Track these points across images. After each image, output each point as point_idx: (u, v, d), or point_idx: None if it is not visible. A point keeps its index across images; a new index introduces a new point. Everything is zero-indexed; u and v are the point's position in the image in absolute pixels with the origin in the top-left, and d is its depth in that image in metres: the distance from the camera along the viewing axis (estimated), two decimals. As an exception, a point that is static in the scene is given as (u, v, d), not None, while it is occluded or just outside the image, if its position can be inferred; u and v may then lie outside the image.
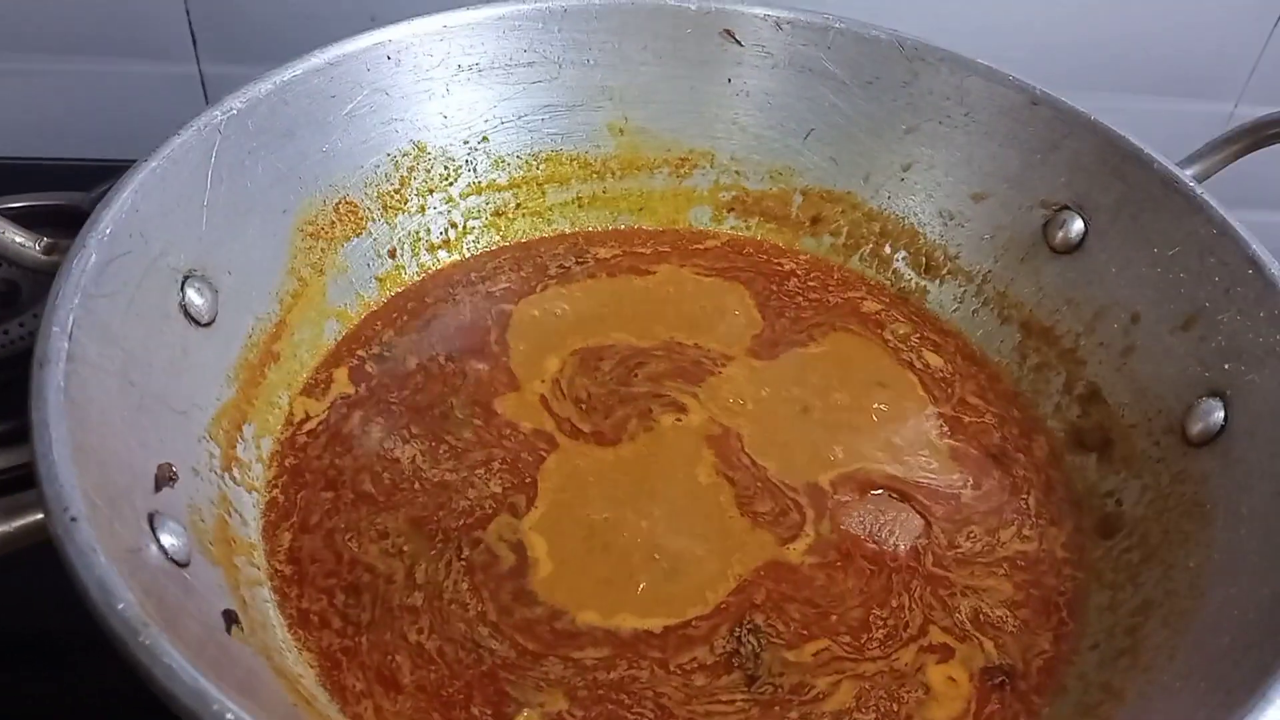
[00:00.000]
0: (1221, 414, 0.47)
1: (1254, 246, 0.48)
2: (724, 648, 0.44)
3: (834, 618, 0.45)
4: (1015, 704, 0.43)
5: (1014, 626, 0.46)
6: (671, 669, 0.43)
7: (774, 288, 0.62)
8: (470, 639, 0.43)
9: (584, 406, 0.53)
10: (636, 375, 0.55)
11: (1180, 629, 0.42)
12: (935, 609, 0.46)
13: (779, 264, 0.63)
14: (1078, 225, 0.56)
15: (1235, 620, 0.39)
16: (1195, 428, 0.48)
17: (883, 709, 0.42)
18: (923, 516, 0.49)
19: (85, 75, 0.80)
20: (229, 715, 0.29)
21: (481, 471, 0.49)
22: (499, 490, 0.48)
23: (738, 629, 0.44)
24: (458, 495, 0.48)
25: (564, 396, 0.53)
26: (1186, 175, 0.52)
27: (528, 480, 0.49)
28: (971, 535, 0.49)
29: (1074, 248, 0.56)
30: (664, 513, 0.48)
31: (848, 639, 0.44)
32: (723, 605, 0.45)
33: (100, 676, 0.47)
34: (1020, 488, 0.52)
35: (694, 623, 0.44)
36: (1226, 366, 0.47)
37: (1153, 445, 0.50)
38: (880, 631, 0.45)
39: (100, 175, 0.72)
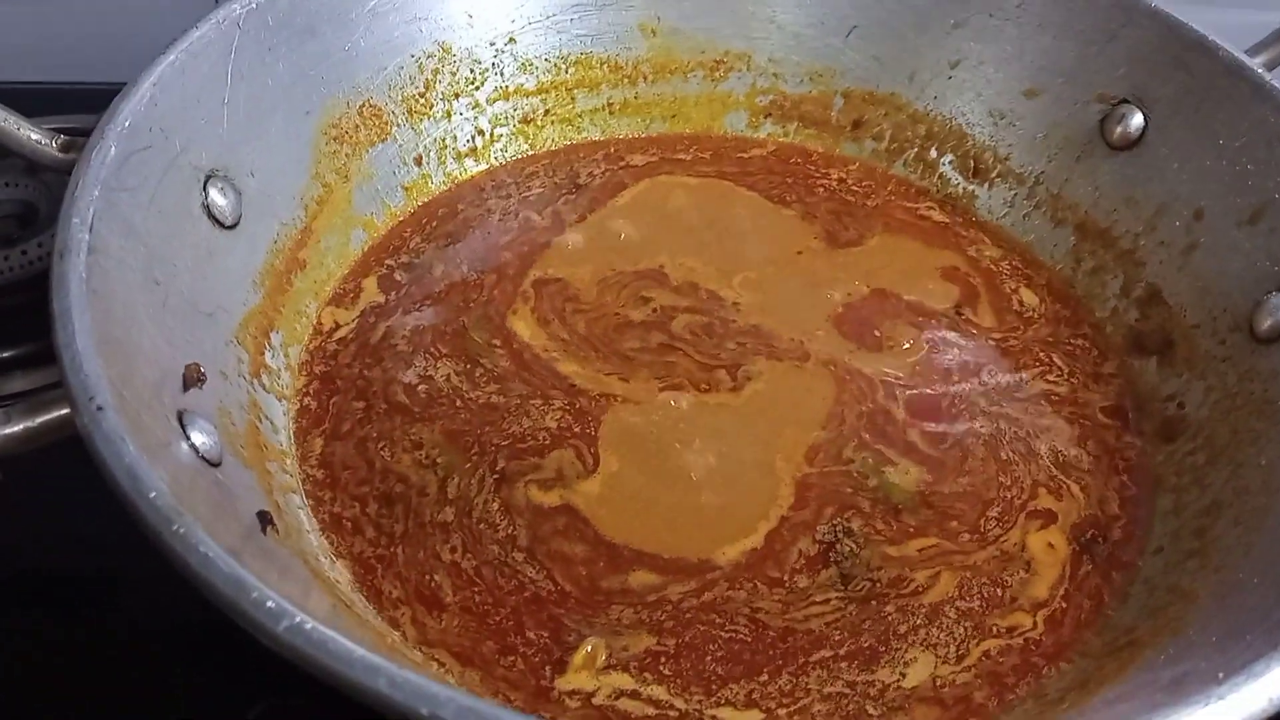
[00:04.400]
0: (1294, 309, 0.45)
1: (1328, 132, 0.45)
2: (824, 537, 0.43)
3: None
4: (1099, 574, 0.43)
5: (1089, 464, 0.47)
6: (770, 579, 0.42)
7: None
8: (504, 562, 0.41)
9: (616, 350, 0.50)
10: (667, 319, 0.52)
11: (1254, 526, 0.40)
12: (1022, 458, 0.47)
13: (826, 173, 0.61)
14: (1137, 119, 0.53)
15: (1315, 514, 0.37)
16: (1265, 324, 0.46)
17: (986, 594, 0.42)
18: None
19: (97, -4, 0.77)
20: (269, 603, 0.27)
21: (538, 403, 0.47)
22: (553, 426, 0.46)
23: (834, 529, 0.43)
24: (509, 419, 0.46)
25: (588, 337, 0.50)
26: (1254, 63, 0.50)
27: (577, 430, 0.46)
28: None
29: (1133, 143, 0.53)
30: (725, 447, 0.46)
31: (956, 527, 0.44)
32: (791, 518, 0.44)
33: (117, 618, 0.46)
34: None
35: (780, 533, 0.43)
36: (1299, 259, 0.45)
37: (1218, 345, 0.48)
38: (995, 510, 0.45)
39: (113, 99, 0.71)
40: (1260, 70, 0.49)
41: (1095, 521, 0.45)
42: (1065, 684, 0.39)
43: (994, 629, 0.41)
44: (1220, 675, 0.29)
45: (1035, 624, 0.41)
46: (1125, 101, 0.53)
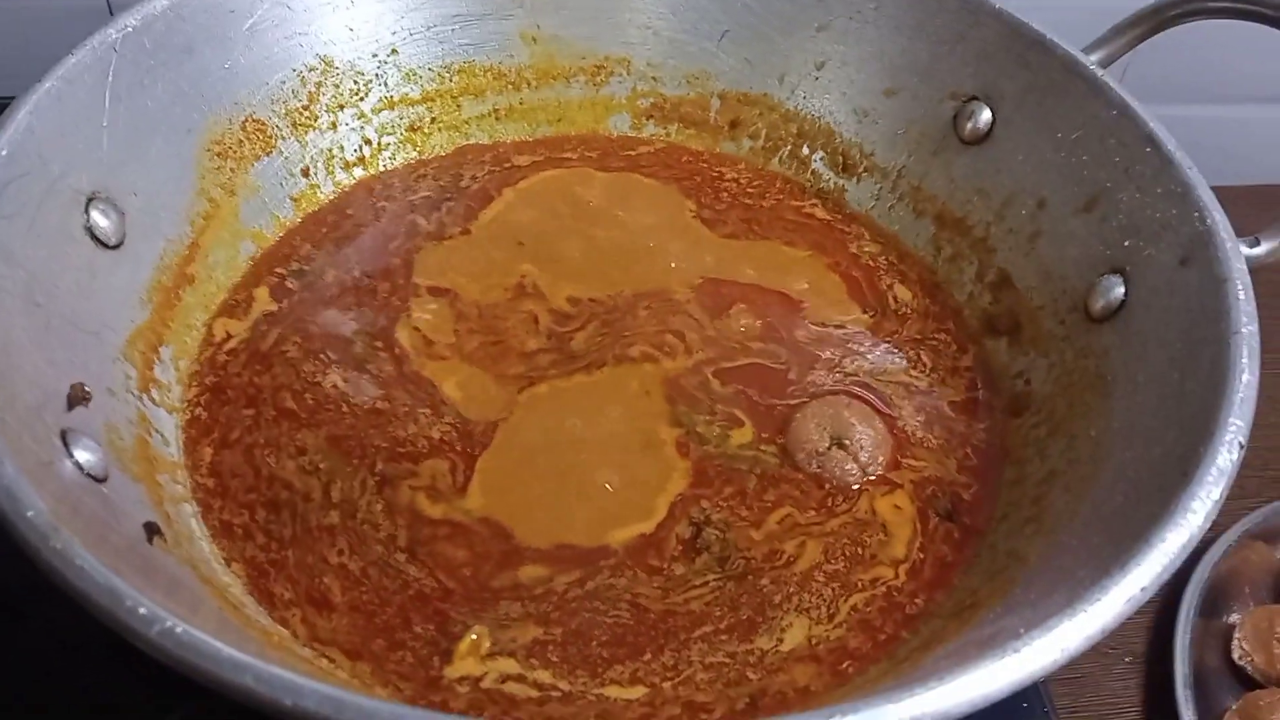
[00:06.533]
0: (1122, 289, 0.48)
1: (1151, 125, 0.49)
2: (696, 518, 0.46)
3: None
4: (949, 535, 0.47)
5: (935, 444, 0.50)
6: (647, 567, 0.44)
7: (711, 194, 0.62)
8: (387, 563, 0.43)
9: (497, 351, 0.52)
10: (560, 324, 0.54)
11: (1080, 493, 0.43)
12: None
13: (718, 171, 0.63)
14: (985, 115, 0.56)
15: (1129, 480, 0.41)
16: (1097, 304, 0.49)
17: (849, 555, 0.45)
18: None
19: (-16, 7, 0.77)
20: (142, 609, 0.29)
21: (427, 412, 0.49)
22: (436, 436, 0.48)
23: (695, 522, 0.46)
24: (395, 424, 0.48)
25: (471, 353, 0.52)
26: (1089, 60, 0.53)
27: (459, 448, 0.48)
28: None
29: (982, 138, 0.57)
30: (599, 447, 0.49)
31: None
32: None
33: (55, 629, 0.47)
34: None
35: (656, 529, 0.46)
36: (1126, 243, 0.49)
37: (1058, 324, 0.51)
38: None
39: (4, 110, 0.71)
40: (1094, 67, 0.53)
41: (937, 481, 0.49)
42: (914, 645, 0.42)
43: (859, 583, 0.45)
44: (1022, 631, 0.32)
45: (897, 574, 0.45)
46: (975, 99, 0.57)
